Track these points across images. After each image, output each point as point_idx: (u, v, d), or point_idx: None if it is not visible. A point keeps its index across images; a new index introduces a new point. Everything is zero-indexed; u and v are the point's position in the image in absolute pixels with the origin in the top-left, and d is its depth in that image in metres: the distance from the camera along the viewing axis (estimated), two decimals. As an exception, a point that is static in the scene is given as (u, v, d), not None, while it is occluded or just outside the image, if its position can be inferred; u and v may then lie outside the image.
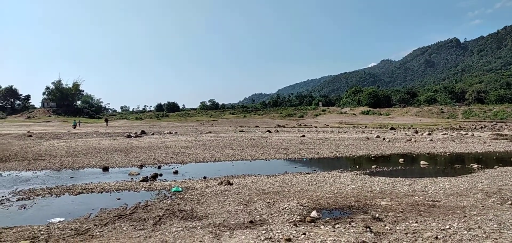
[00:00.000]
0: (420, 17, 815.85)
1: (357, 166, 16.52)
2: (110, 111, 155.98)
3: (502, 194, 9.62)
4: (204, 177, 13.11)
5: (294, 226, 6.80)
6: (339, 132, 42.42)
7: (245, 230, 6.66)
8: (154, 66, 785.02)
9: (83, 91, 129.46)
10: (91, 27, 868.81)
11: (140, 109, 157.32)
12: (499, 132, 38.20)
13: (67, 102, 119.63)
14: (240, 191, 10.57)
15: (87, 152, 20.94)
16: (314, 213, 7.73)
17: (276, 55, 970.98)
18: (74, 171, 14.97)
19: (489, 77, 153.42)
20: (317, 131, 45.45)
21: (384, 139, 30.42)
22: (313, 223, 7.04)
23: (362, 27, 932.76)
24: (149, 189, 11.20)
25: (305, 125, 66.14)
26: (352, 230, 6.46)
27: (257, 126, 61.41)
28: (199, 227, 6.96)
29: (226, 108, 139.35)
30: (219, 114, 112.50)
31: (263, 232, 6.48)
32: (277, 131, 43.85)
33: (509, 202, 8.58)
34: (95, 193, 10.73)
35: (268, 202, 8.95)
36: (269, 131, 42.76)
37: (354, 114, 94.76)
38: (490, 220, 7.00)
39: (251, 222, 7.24)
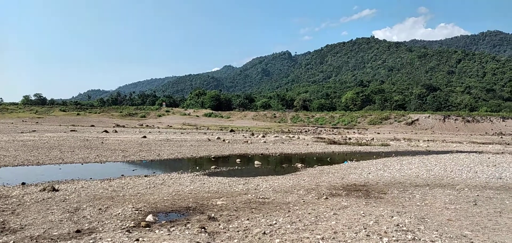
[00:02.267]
0: (261, 29, 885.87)
1: (198, 167, 16.78)
2: None
3: (319, 189, 11.03)
4: (23, 183, 11.37)
5: (127, 233, 6.42)
6: (182, 133, 42.48)
7: (69, 241, 5.98)
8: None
9: None
10: None
11: None
12: (319, 136, 44.11)
13: None
14: (67, 197, 9.50)
15: None
16: (150, 217, 7.47)
17: (118, 50, 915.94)
18: None
19: (313, 88, 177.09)
20: (159, 132, 44.55)
21: (224, 140, 31.75)
22: (148, 228, 6.78)
23: (208, 32, 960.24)
24: None
25: (148, 126, 64.14)
26: (187, 232, 6.45)
27: (92, 126, 56.72)
28: (12, 242, 5.95)
29: (56, 104, 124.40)
30: (47, 110, 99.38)
31: (91, 241, 5.93)
32: (116, 132, 41.31)
33: (324, 197, 9.89)
34: None
35: (100, 209, 8.27)
36: (106, 131, 39.94)
37: (198, 116, 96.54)
38: (309, 213, 7.91)
39: (77, 231, 6.55)
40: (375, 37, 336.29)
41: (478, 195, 10.21)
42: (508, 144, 36.95)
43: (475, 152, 26.06)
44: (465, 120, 75.87)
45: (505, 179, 13.28)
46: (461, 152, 26.18)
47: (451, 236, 6.39)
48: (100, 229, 6.76)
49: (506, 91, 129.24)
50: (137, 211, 8.09)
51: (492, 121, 75.40)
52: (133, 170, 15.57)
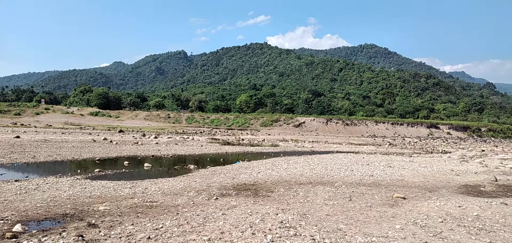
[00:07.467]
0: (155, 25, 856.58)
1: (79, 170, 15.49)
2: None
3: (210, 190, 11.07)
4: None
5: (-14, 246, 5.61)
6: (63, 133, 38.83)
7: None
8: None
9: None
10: None
11: None
12: (214, 137, 44.37)
13: None
14: None
15: None
16: (18, 227, 6.64)
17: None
18: None
19: (209, 89, 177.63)
20: (37, 131, 40.03)
21: (111, 141, 29.93)
22: (14, 239, 6.03)
23: (95, 24, 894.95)
24: None
25: (23, 124, 57.14)
26: (62, 241, 5.89)
27: (-49, 124, 48.65)
28: None
29: None
30: None
31: None
32: (-18, 131, 36.02)
33: (214, 198, 9.94)
34: None
35: (-47, 220, 7.09)
36: (-31, 130, 34.60)
37: (82, 115, 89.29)
38: (197, 215, 7.87)
39: None
40: (268, 43, 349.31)
41: (353, 191, 11.31)
42: (380, 145, 41.82)
43: (353, 152, 28.90)
44: (345, 123, 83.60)
45: (376, 176, 14.97)
46: (340, 152, 28.78)
47: (328, 230, 6.95)
48: (-48, 244, 5.80)
49: (379, 98, 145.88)
50: (2, 221, 7.13)
51: (367, 125, 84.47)
52: (1, 175, 13.73)
